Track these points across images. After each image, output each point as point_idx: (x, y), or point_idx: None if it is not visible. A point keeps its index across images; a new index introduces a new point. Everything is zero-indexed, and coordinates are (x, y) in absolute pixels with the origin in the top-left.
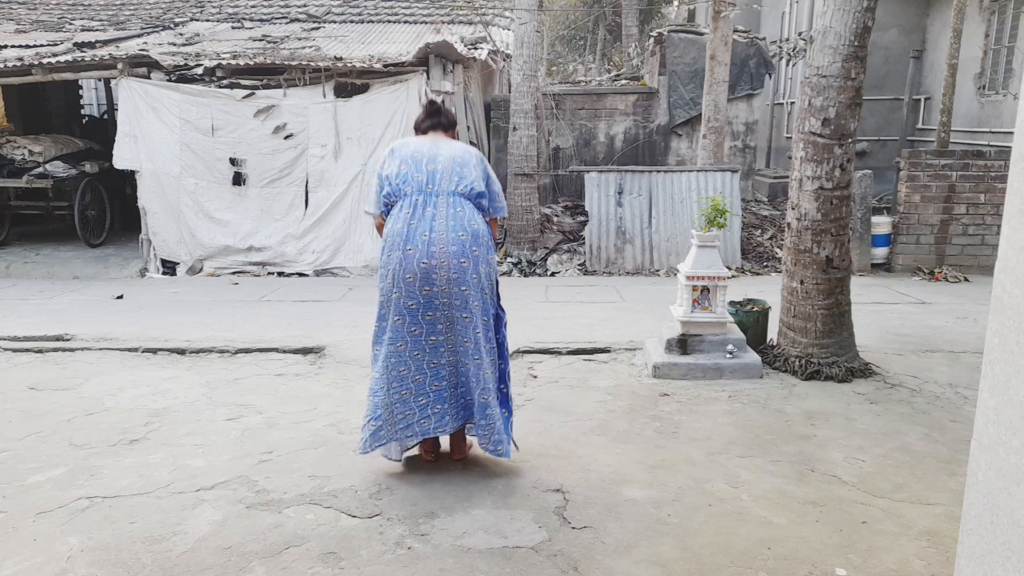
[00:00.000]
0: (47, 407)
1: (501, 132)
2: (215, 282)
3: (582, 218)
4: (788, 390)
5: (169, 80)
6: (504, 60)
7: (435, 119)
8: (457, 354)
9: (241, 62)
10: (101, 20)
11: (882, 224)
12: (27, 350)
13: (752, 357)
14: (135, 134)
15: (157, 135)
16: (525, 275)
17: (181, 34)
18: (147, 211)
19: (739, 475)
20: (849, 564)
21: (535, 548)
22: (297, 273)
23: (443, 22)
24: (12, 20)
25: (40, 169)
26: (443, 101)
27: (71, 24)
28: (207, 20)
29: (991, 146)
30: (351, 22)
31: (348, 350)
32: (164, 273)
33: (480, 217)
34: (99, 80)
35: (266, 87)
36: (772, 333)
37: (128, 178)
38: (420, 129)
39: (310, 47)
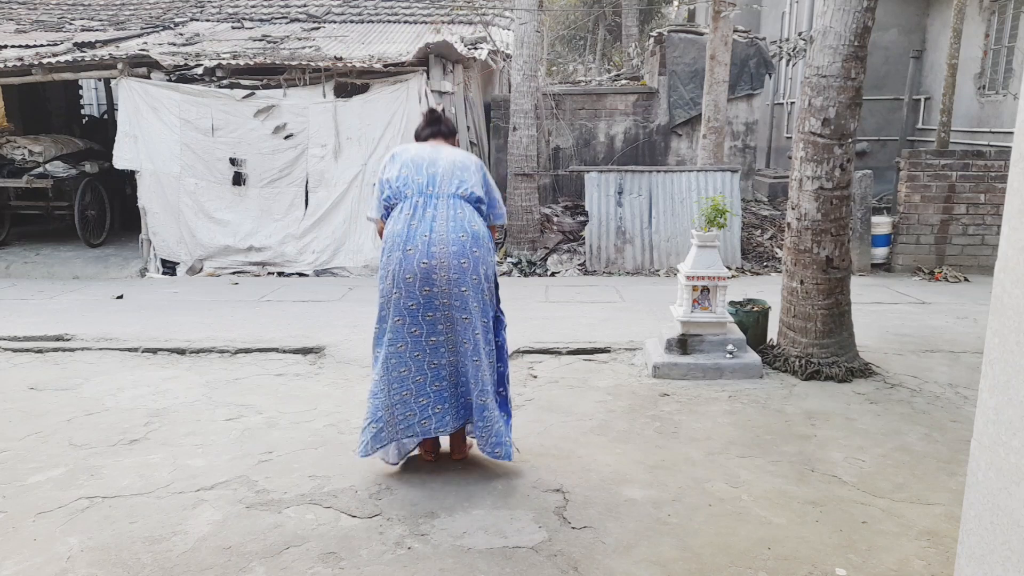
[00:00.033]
0: (47, 407)
1: (501, 132)
2: (215, 282)
3: (582, 218)
4: (788, 390)
5: (169, 80)
6: (504, 60)
7: (435, 127)
8: (457, 354)
9: (241, 62)
10: (101, 20)
11: (882, 224)
12: (27, 350)
13: (752, 357)
14: (135, 134)
15: (157, 135)
16: (525, 275)
17: (181, 34)
18: (147, 211)
19: (739, 475)
20: (849, 564)
21: (535, 548)
22: (297, 273)
23: (443, 22)
24: (12, 20)
25: (40, 169)
26: (443, 110)
27: (71, 24)
28: (207, 20)
29: (991, 146)
30: (351, 22)
31: (348, 350)
32: (164, 273)
33: (480, 219)
34: (99, 80)
35: (266, 87)
36: (772, 333)
37: (128, 178)
38: (420, 137)
39: (310, 47)
